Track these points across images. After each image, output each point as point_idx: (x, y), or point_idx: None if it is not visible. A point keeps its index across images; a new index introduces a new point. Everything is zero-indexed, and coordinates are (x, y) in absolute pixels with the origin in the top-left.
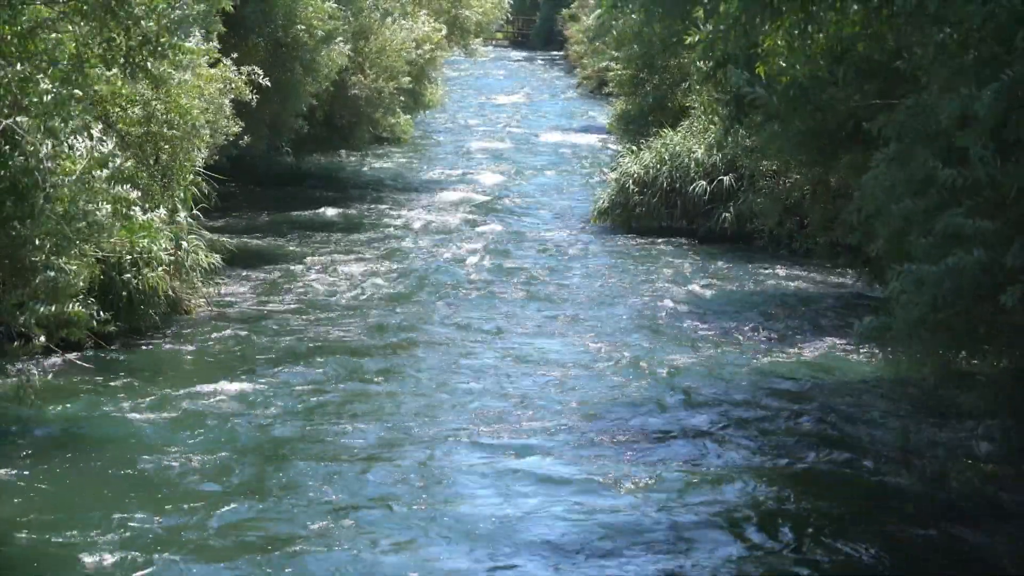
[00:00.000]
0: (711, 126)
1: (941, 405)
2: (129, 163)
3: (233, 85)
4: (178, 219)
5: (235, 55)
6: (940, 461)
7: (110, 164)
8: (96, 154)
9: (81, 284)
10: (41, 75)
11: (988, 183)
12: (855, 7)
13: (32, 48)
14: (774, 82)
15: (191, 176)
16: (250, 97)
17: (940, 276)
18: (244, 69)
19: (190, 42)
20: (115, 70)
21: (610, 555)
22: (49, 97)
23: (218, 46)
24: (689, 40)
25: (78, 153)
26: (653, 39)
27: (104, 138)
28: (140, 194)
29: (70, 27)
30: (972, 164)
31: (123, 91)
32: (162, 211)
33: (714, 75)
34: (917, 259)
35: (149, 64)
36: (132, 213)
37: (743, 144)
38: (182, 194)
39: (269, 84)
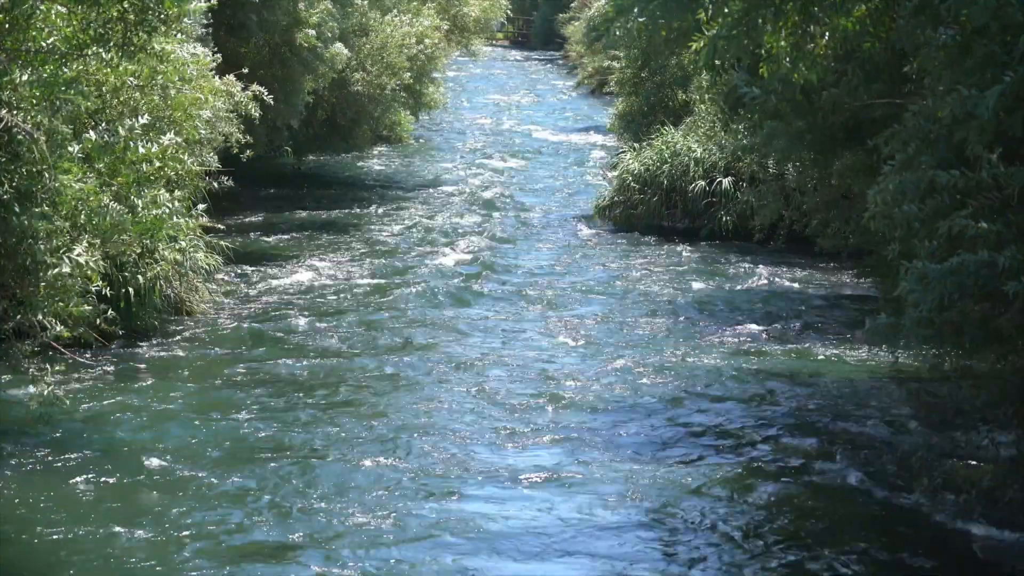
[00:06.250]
0: (714, 123)
1: (948, 406)
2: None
3: (237, 99)
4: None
5: (235, 52)
6: (948, 462)
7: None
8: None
9: (89, 282)
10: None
11: (992, 185)
12: (859, 6)
13: (25, 37)
14: (775, 83)
15: (197, 180)
16: (255, 116)
17: (944, 275)
18: (253, 89)
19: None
20: (112, 54)
21: (608, 554)
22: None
23: (216, 51)
24: (695, 46)
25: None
26: (656, 37)
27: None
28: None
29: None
30: (976, 166)
31: (133, 95)
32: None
33: (714, 81)
34: (923, 260)
35: (146, 46)
36: (139, 209)
37: (742, 143)
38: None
39: (273, 89)
